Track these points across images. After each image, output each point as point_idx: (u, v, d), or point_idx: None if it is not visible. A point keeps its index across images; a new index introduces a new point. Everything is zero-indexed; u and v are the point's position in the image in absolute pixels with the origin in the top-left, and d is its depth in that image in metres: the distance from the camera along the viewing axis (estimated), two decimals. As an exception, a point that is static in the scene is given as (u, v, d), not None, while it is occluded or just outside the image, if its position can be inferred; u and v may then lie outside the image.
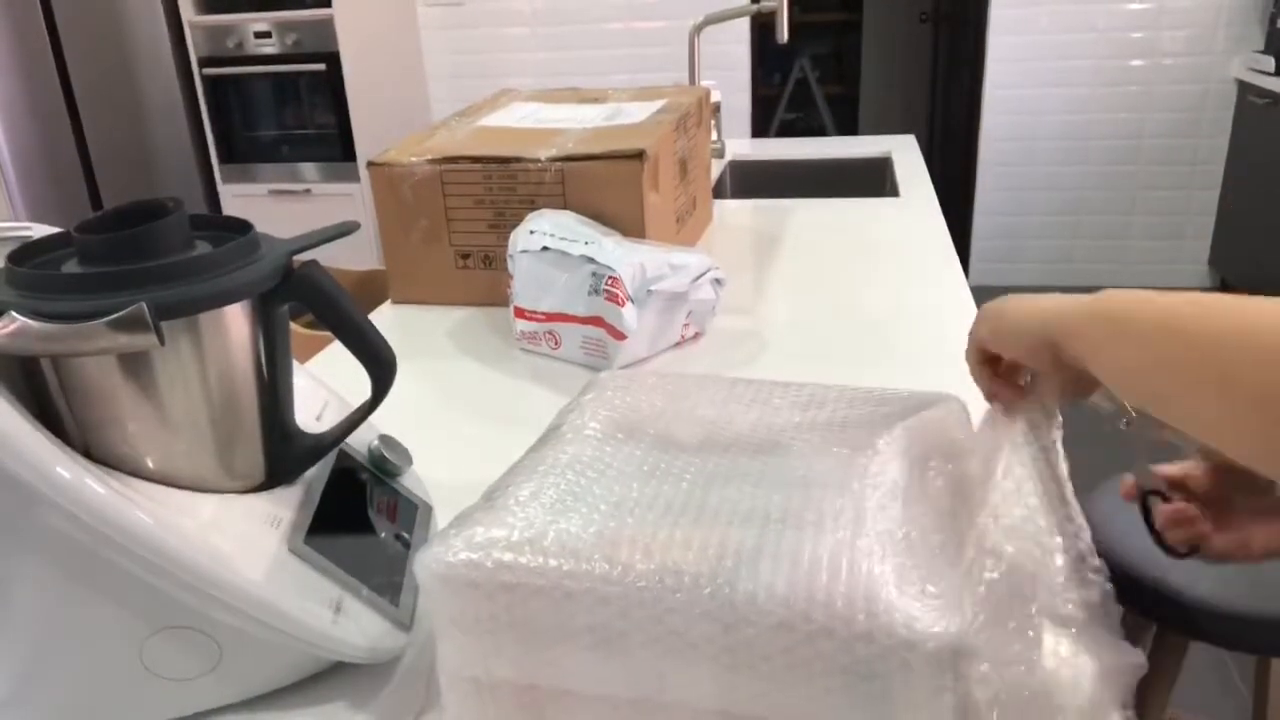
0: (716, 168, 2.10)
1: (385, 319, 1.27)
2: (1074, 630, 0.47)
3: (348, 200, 3.67)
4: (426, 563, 0.50)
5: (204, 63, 3.57)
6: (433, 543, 0.51)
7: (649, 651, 0.48)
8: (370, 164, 1.25)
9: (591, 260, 1.02)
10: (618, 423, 0.62)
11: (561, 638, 0.49)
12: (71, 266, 0.54)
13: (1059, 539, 0.51)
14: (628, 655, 0.48)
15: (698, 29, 2.06)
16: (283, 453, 0.61)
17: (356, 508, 0.66)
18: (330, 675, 0.61)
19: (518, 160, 1.19)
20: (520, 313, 1.10)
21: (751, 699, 0.47)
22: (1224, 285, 3.62)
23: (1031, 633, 0.45)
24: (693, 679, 0.47)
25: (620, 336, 1.01)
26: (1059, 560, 0.50)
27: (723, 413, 0.63)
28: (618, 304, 0.99)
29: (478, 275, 1.26)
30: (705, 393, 0.66)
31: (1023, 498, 0.53)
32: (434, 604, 0.51)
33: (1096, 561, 0.51)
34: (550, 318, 1.07)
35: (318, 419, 0.68)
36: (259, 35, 3.52)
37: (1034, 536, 0.51)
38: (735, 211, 1.74)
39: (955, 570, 0.47)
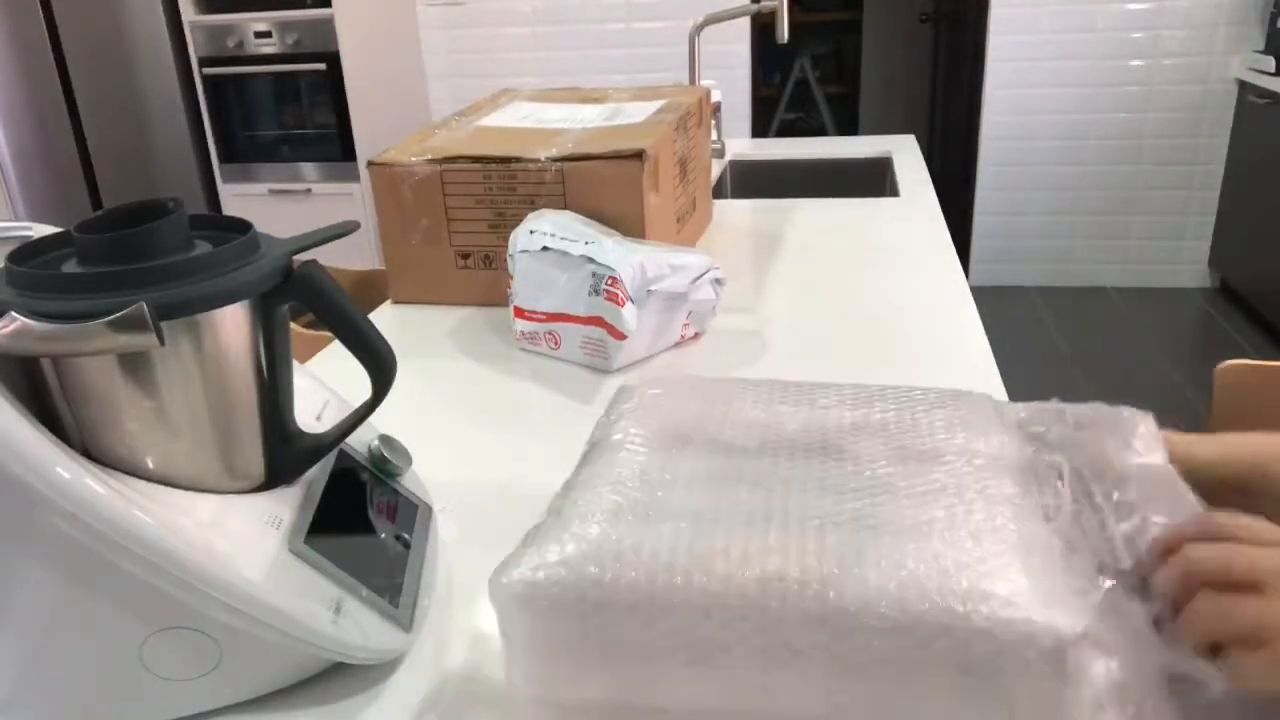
0: (716, 168, 2.10)
1: (385, 319, 1.27)
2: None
3: (348, 200, 3.67)
4: (505, 584, 0.47)
5: (204, 63, 3.57)
6: (508, 563, 0.48)
7: (752, 663, 0.46)
8: (370, 164, 1.25)
9: (591, 260, 1.02)
10: (669, 431, 0.60)
11: (656, 655, 0.47)
12: (71, 266, 0.54)
13: None
14: (729, 669, 0.46)
15: (698, 29, 2.06)
16: (283, 453, 0.61)
17: (356, 508, 0.66)
18: (330, 675, 0.61)
19: (518, 160, 1.19)
20: (520, 313, 1.10)
21: (859, 704, 0.46)
22: (1224, 285, 3.62)
23: (1149, 638, 0.44)
24: (798, 688, 0.46)
25: (620, 336, 1.01)
26: None
27: (771, 415, 0.61)
28: (618, 304, 0.99)
29: (478, 275, 1.26)
30: (747, 395, 0.64)
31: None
32: (514, 627, 0.48)
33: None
34: (550, 318, 1.07)
35: (318, 419, 0.68)
36: (259, 35, 3.52)
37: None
38: (735, 211, 1.74)
39: (1073, 575, 0.47)
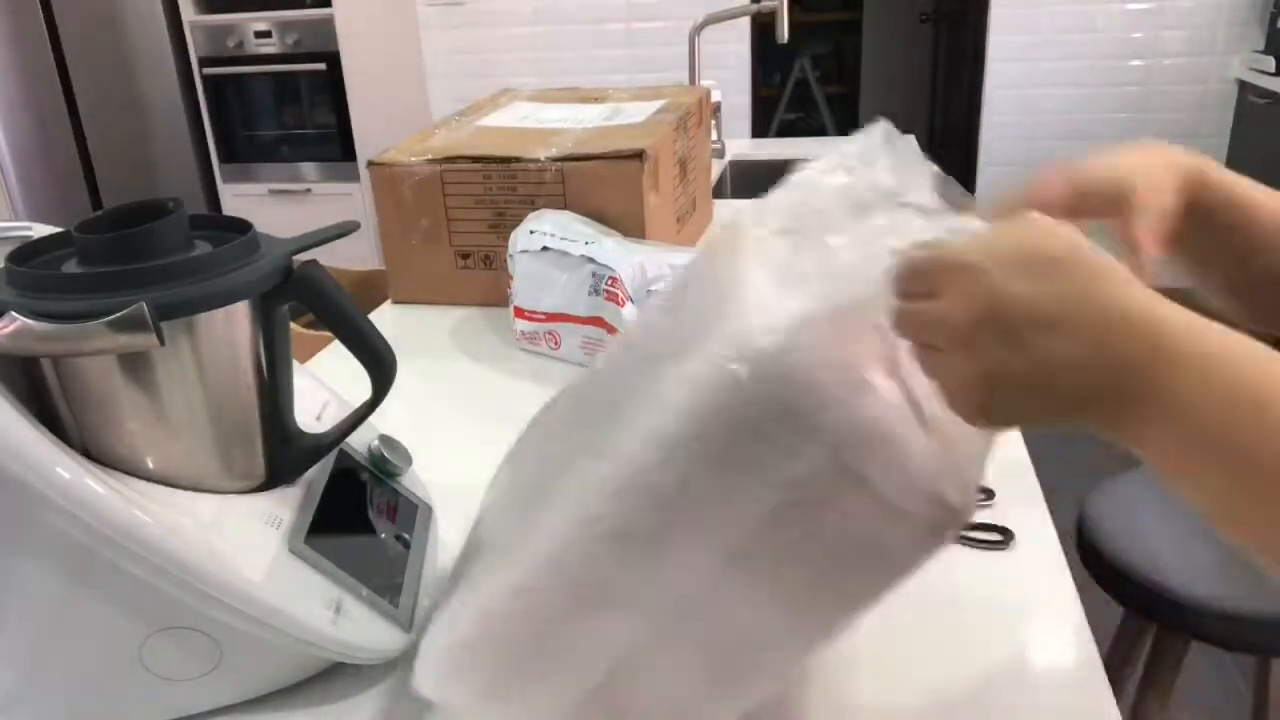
0: (716, 168, 2.10)
1: (385, 319, 1.27)
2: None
3: (348, 200, 3.67)
4: (428, 672, 0.50)
5: (204, 63, 3.57)
6: (422, 653, 0.51)
7: (628, 578, 0.47)
8: (370, 164, 1.25)
9: (591, 260, 1.02)
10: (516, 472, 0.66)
11: (580, 613, 0.49)
12: (71, 266, 0.54)
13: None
14: (624, 598, 0.47)
15: (698, 29, 2.06)
16: (283, 453, 0.61)
17: (356, 508, 0.66)
18: (330, 675, 0.61)
19: (518, 160, 1.19)
20: (520, 313, 1.10)
21: (693, 519, 0.46)
22: (1224, 285, 3.62)
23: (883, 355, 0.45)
24: (684, 557, 0.47)
25: (620, 336, 1.01)
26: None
27: (591, 388, 0.64)
28: (618, 304, 0.99)
29: (478, 275, 1.26)
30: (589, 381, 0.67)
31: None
32: (461, 690, 0.51)
33: None
34: (550, 318, 1.07)
35: (318, 419, 0.68)
36: (259, 35, 3.52)
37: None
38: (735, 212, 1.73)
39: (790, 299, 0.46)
